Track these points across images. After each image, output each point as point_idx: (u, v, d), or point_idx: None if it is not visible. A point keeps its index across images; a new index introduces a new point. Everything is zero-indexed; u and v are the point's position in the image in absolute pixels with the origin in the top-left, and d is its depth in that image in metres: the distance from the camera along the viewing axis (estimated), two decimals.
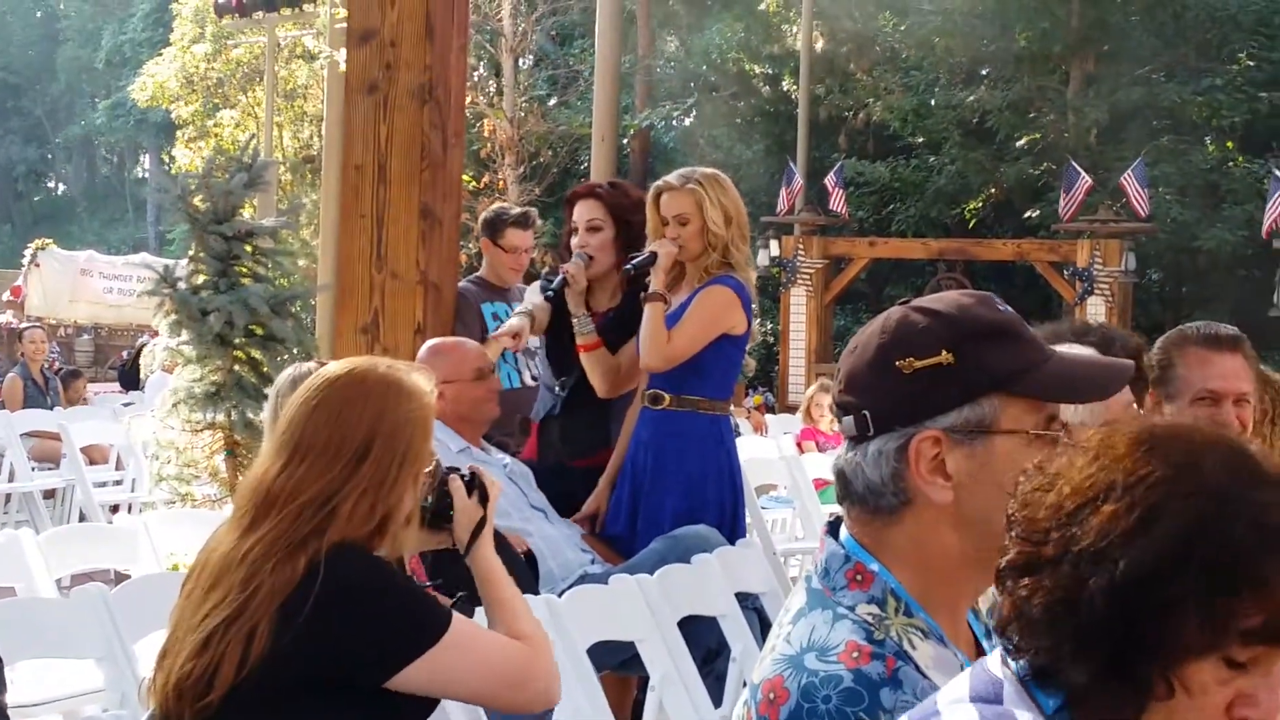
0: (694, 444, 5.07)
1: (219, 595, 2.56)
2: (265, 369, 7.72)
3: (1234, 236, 22.72)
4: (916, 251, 23.08)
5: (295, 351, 7.76)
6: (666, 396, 5.07)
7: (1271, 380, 4.16)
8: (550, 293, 5.27)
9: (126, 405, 14.03)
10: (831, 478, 1.89)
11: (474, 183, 22.60)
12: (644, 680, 4.38)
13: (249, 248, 7.91)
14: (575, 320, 5.24)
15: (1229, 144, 24.96)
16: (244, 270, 7.90)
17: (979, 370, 1.78)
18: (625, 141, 27.05)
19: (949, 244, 22.62)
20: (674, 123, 30.68)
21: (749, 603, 4.76)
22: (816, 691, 1.65)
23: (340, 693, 2.59)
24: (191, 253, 8.06)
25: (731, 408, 5.48)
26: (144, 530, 5.41)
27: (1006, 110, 25.03)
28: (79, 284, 25.26)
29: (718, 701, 4.31)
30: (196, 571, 2.69)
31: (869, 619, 1.74)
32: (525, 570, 4.42)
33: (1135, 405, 2.84)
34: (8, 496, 10.16)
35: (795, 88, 25.61)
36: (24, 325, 17.14)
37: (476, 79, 25.23)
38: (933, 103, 26.40)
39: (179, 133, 28.26)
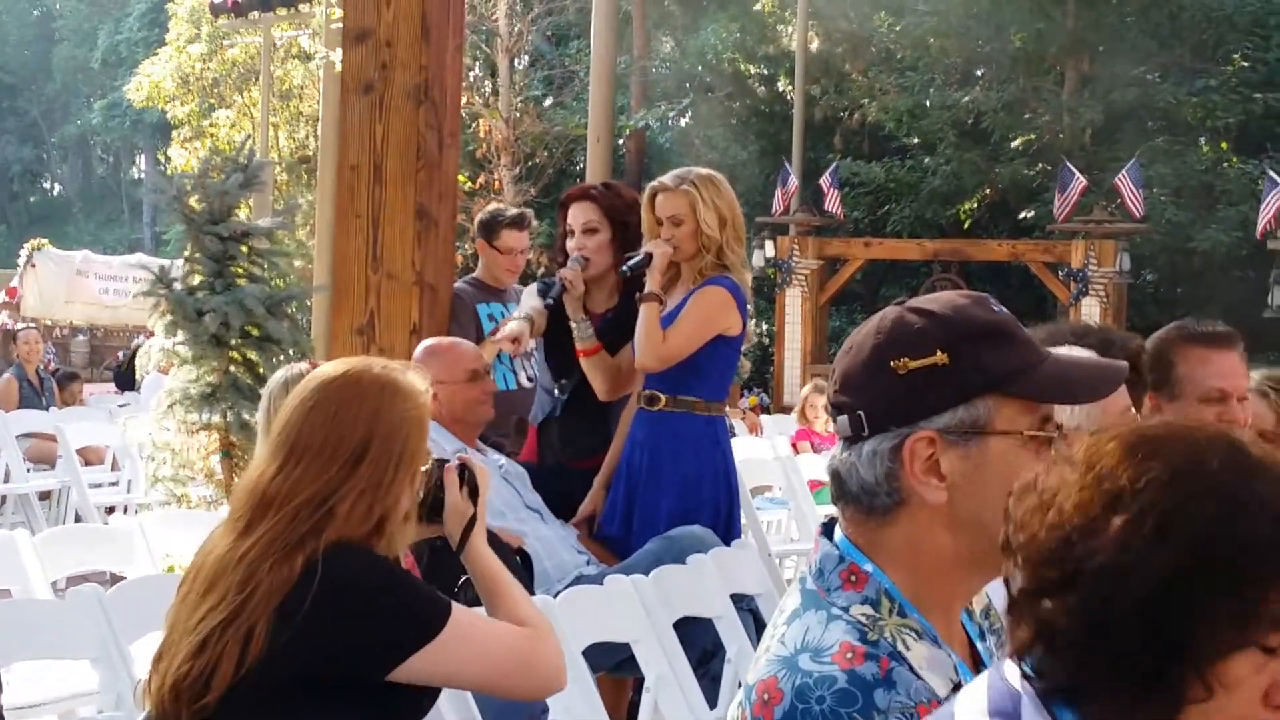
0: (689, 445, 5.08)
1: (216, 597, 2.57)
2: (261, 370, 7.71)
3: (1228, 237, 22.73)
4: (912, 252, 23.06)
5: (291, 352, 7.75)
6: (662, 397, 5.07)
7: None
8: (550, 301, 5.27)
9: (122, 406, 14.02)
10: (826, 478, 1.90)
11: (469, 183, 22.57)
12: (639, 681, 4.38)
13: (245, 248, 7.89)
14: (574, 325, 5.25)
15: (1224, 145, 24.96)
16: (240, 271, 7.89)
17: (974, 371, 1.78)
18: (621, 142, 27.07)
19: (944, 244, 22.60)
20: (669, 123, 30.69)
21: (744, 604, 4.76)
22: (811, 692, 1.66)
23: (338, 691, 2.59)
24: (187, 253, 8.05)
25: (727, 409, 5.48)
26: (139, 531, 5.41)
27: (1001, 111, 25.02)
28: (75, 285, 25.22)
29: (713, 703, 4.31)
30: (193, 574, 2.69)
31: (863, 620, 1.74)
32: (520, 571, 4.42)
33: (1132, 409, 2.83)
34: (3, 498, 10.16)
35: (790, 88, 25.62)
36: (18, 326, 17.13)
37: (472, 79, 25.22)
38: (928, 103, 26.39)
39: (174, 133, 28.20)
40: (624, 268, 5.11)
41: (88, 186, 63.17)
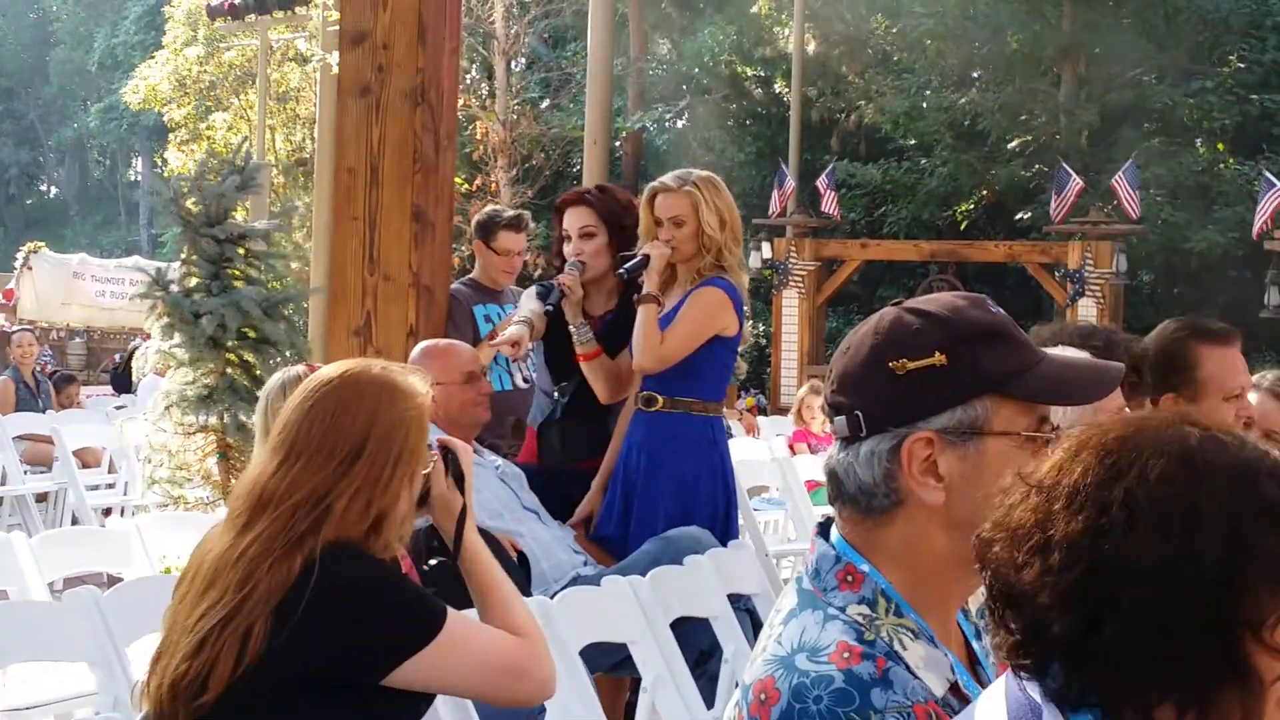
0: (687, 445, 5.08)
1: (215, 595, 2.57)
2: (258, 372, 7.72)
3: (1225, 238, 22.77)
4: (908, 253, 23.08)
5: (288, 354, 7.76)
6: (660, 398, 5.08)
7: None
8: (549, 306, 5.26)
9: (119, 408, 14.00)
10: (823, 479, 1.90)
11: (466, 185, 22.57)
12: (636, 681, 4.38)
13: (241, 250, 7.90)
14: (574, 330, 5.24)
15: (1220, 146, 25.00)
16: (236, 273, 7.89)
17: (972, 372, 1.78)
18: (617, 144, 27.09)
19: (941, 246, 22.62)
20: (666, 125, 30.70)
21: (741, 604, 4.76)
22: (807, 692, 1.66)
23: (335, 692, 2.59)
24: (184, 255, 8.05)
25: (724, 409, 5.48)
26: (136, 533, 5.41)
27: (998, 112, 25.05)
28: (71, 287, 25.22)
29: (710, 703, 4.31)
30: (191, 573, 2.70)
31: (859, 619, 1.74)
32: (518, 572, 4.42)
33: (1127, 410, 2.83)
34: (0, 500, 10.15)
35: (787, 90, 25.64)
36: (13, 329, 17.11)
37: (469, 81, 25.21)
38: (924, 105, 26.43)
39: (171, 135, 28.21)
40: (621, 270, 5.11)
41: (84, 189, 63.13)
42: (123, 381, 18.66)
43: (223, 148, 23.83)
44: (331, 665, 2.57)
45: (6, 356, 13.69)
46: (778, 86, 28.64)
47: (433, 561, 2.95)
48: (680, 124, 30.98)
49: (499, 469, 4.99)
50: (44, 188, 65.81)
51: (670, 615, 4.35)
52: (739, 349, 5.31)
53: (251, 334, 7.76)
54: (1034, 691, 1.44)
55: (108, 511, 9.64)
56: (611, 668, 4.52)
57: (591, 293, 5.40)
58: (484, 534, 3.06)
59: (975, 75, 26.94)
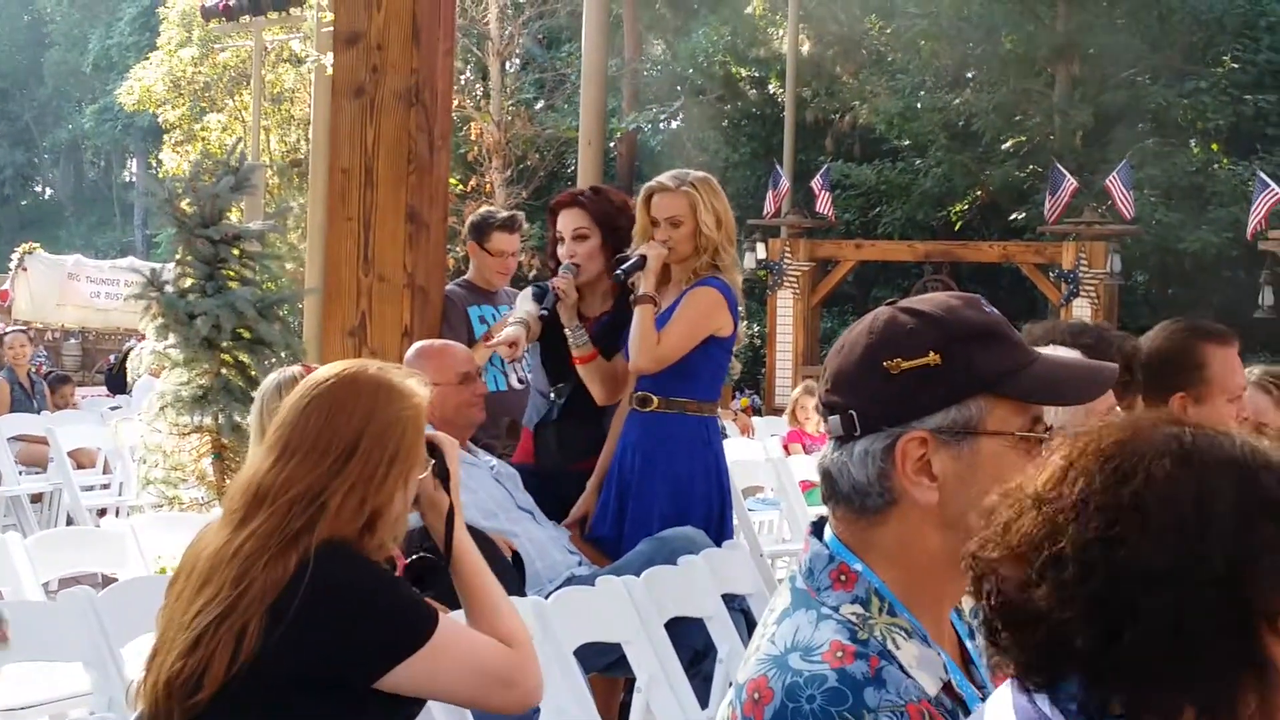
0: (682, 445, 5.09)
1: (210, 592, 2.58)
2: (253, 372, 7.71)
3: (1219, 238, 22.79)
4: (903, 254, 23.10)
5: (283, 355, 7.76)
6: (655, 398, 5.08)
7: None
8: (545, 310, 5.26)
9: (114, 409, 13.99)
10: (818, 479, 1.90)
11: (461, 186, 22.58)
12: (631, 682, 4.39)
13: (236, 251, 7.90)
14: (569, 333, 5.24)
15: (1214, 146, 25.02)
16: (231, 274, 7.89)
17: (966, 372, 1.78)
18: (612, 145, 27.08)
19: (935, 246, 22.63)
20: (660, 126, 30.69)
21: (736, 604, 4.76)
22: (801, 691, 1.66)
23: (329, 692, 2.60)
24: (178, 256, 8.05)
25: (718, 410, 5.48)
26: (131, 534, 5.41)
27: (992, 113, 25.06)
28: (66, 288, 25.19)
29: (704, 703, 4.32)
30: (186, 571, 2.70)
31: (853, 619, 1.74)
32: (512, 572, 4.43)
33: (1118, 409, 2.84)
34: None
35: (781, 91, 25.63)
36: (6, 330, 17.09)
37: (463, 82, 25.20)
38: (919, 105, 26.43)
39: (166, 137, 28.21)
40: (618, 271, 5.11)
41: (79, 190, 63.07)
42: (118, 382, 18.63)
43: (217, 149, 23.84)
44: (324, 665, 2.58)
45: (1, 358, 13.65)
46: (772, 87, 28.64)
47: (414, 556, 2.94)
48: (675, 125, 30.98)
49: (494, 469, 4.99)
50: (39, 189, 65.75)
51: (665, 615, 4.36)
52: (734, 349, 5.32)
53: (246, 335, 7.77)
54: (1044, 704, 1.42)
55: (103, 512, 9.63)
56: (606, 668, 4.52)
57: (586, 295, 5.40)
58: (478, 534, 3.07)
59: (969, 76, 26.95)
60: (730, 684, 1.80)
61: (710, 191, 5.09)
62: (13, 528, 8.89)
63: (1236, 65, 24.68)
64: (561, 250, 5.42)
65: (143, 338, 9.13)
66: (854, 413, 1.81)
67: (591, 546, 5.10)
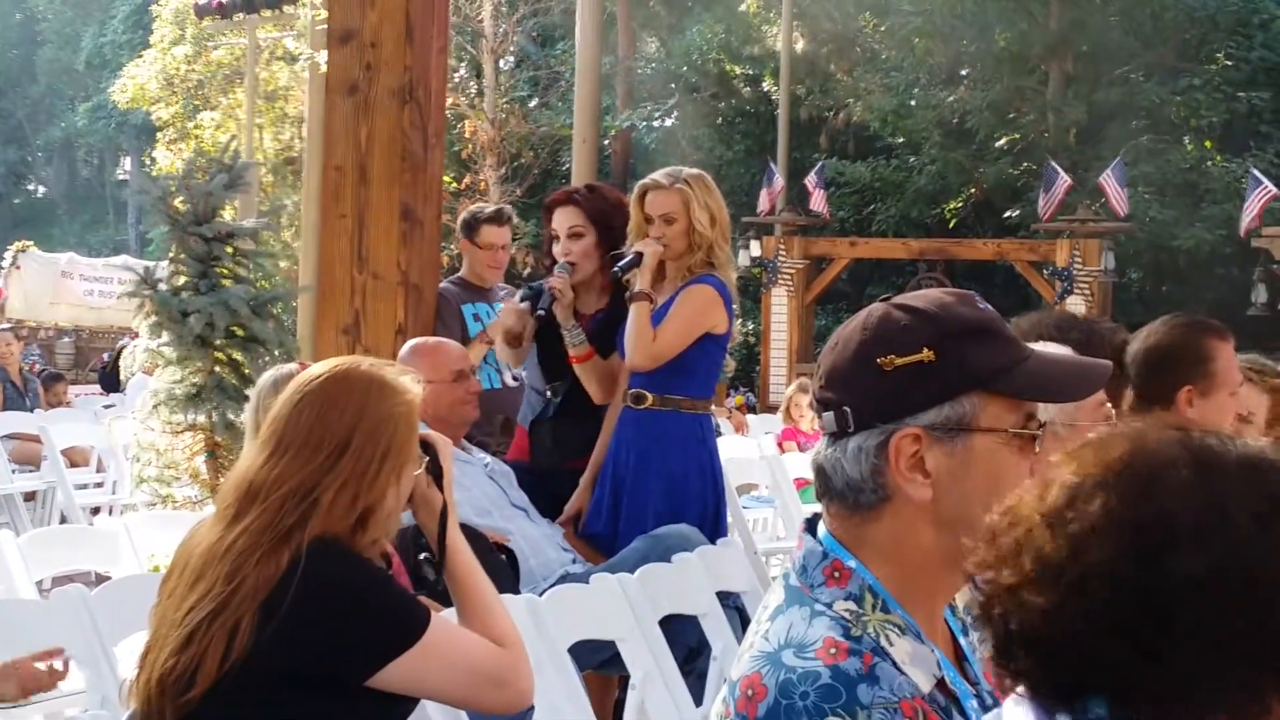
0: (676, 443, 5.09)
1: (203, 588, 2.58)
2: (246, 370, 7.71)
3: (1213, 235, 22.81)
4: (897, 251, 23.13)
5: (276, 353, 7.75)
6: (649, 396, 5.08)
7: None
8: (541, 311, 5.25)
9: (107, 407, 13.99)
10: (812, 476, 1.90)
11: (455, 184, 22.58)
12: (625, 679, 4.38)
13: (230, 249, 7.89)
14: (566, 333, 5.23)
15: (1207, 143, 25.04)
16: (225, 272, 7.88)
17: (960, 368, 1.78)
18: (606, 142, 27.08)
19: (929, 244, 22.66)
20: (655, 124, 30.70)
21: (730, 601, 4.76)
22: (794, 688, 1.65)
23: (321, 689, 2.60)
24: (172, 254, 8.04)
25: (713, 408, 5.48)
26: (125, 532, 5.41)
27: (986, 110, 25.08)
28: (59, 286, 25.18)
29: (699, 700, 4.31)
30: (179, 568, 2.70)
31: (846, 615, 1.74)
32: (506, 570, 4.43)
33: (1109, 404, 2.83)
34: None
35: (776, 88, 25.64)
36: None
37: (457, 80, 25.21)
38: (913, 103, 26.45)
39: (159, 135, 28.14)
40: (615, 270, 5.11)
41: (72, 188, 62.97)
42: (111, 380, 18.63)
43: (211, 146, 23.76)
44: (316, 662, 2.58)
45: None
46: (766, 85, 28.65)
47: (421, 556, 2.93)
48: (669, 122, 30.99)
49: (488, 466, 4.99)
50: (32, 187, 65.64)
51: (659, 613, 4.35)
52: (728, 347, 5.32)
53: (240, 333, 7.76)
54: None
55: (96, 510, 9.62)
56: (600, 665, 4.51)
57: (581, 293, 5.39)
58: (472, 531, 3.06)
59: (963, 73, 26.96)
60: (724, 681, 1.80)
61: (704, 188, 5.09)
62: (6, 526, 8.87)
63: (1230, 63, 24.70)
64: (557, 248, 5.41)
65: (136, 336, 9.12)
66: (847, 409, 1.81)
67: (586, 544, 5.10)
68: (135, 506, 7.73)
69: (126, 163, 59.06)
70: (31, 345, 23.13)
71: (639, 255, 5.02)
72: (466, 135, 23.67)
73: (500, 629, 2.86)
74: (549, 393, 5.50)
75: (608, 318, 5.36)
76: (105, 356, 22.00)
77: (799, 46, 26.45)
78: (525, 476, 5.19)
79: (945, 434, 1.78)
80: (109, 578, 5.10)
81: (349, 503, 2.64)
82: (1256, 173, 18.50)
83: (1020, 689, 1.42)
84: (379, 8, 5.88)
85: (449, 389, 4.76)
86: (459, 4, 22.81)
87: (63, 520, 9.31)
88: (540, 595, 4.04)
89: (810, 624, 1.73)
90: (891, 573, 1.79)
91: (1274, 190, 17.72)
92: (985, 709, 1.84)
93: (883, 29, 27.06)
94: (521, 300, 5.43)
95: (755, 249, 21.03)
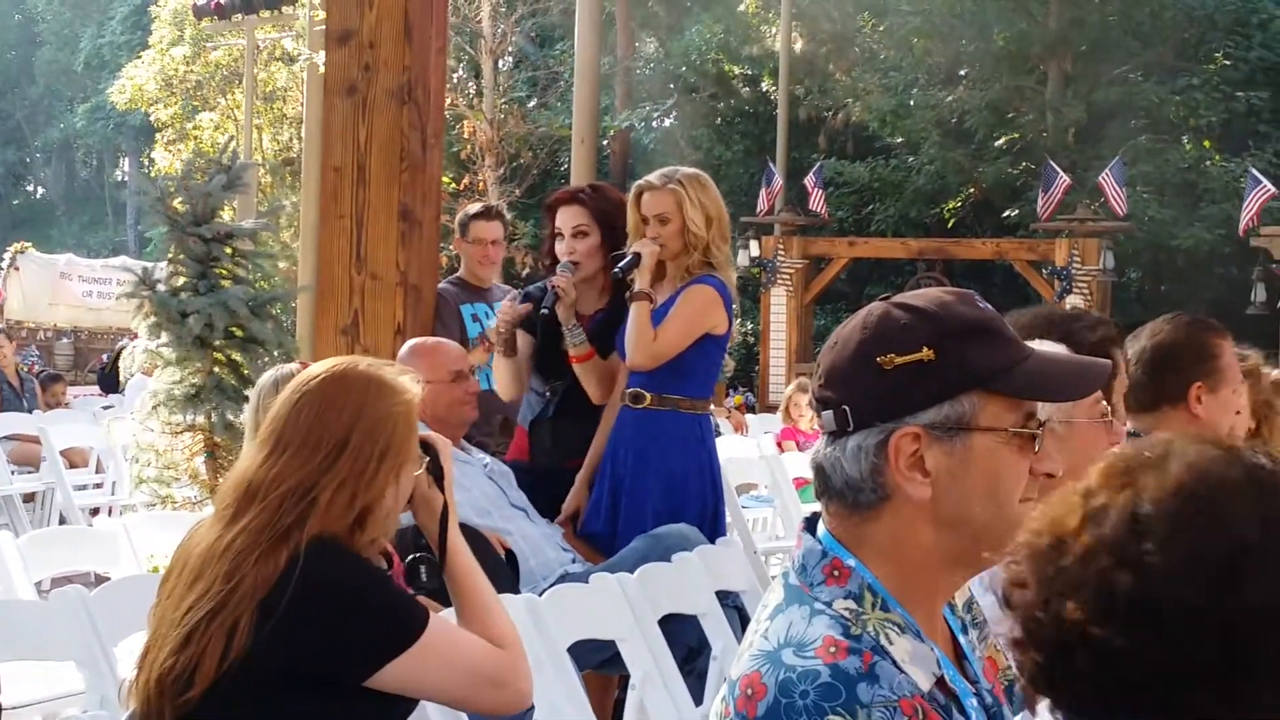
0: (675, 442, 5.09)
1: (202, 588, 2.58)
2: (245, 371, 7.72)
3: (1211, 235, 22.82)
4: (896, 251, 23.13)
5: (275, 353, 7.76)
6: (648, 396, 5.08)
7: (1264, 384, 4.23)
8: (545, 309, 5.25)
9: (106, 408, 13.98)
10: (811, 476, 1.90)
11: (454, 184, 22.56)
12: (625, 679, 4.38)
13: (228, 250, 7.89)
14: (567, 332, 5.22)
15: (1206, 143, 25.05)
16: (223, 272, 7.89)
17: (959, 367, 1.78)
18: (605, 143, 27.09)
19: (928, 243, 22.66)
20: (653, 124, 30.72)
21: (729, 601, 4.76)
22: (794, 687, 1.65)
23: (320, 688, 2.60)
24: (171, 255, 8.05)
25: (712, 407, 5.48)
26: (124, 533, 5.40)
27: (985, 110, 25.09)
28: (58, 287, 25.18)
29: (699, 700, 4.31)
30: (177, 568, 2.70)
31: (846, 614, 1.74)
32: (506, 570, 4.43)
33: (1103, 400, 2.83)
34: None
35: (774, 88, 25.64)
36: None
37: (456, 80, 25.21)
38: (911, 103, 26.45)
39: (158, 135, 28.17)
40: (615, 270, 5.11)
41: (71, 189, 62.96)
42: (110, 381, 18.61)
43: (209, 147, 23.79)
44: (315, 662, 2.58)
45: None
46: (765, 85, 28.65)
47: (415, 555, 2.93)
48: (668, 122, 31.01)
49: (487, 467, 4.99)
50: (30, 188, 65.64)
51: (659, 612, 4.35)
52: (727, 347, 5.32)
53: (239, 333, 7.76)
54: None
55: (95, 511, 9.62)
56: (600, 665, 4.51)
57: (582, 292, 5.39)
58: (472, 531, 3.06)
59: (962, 73, 26.97)
60: (724, 680, 1.80)
61: (698, 188, 5.09)
62: (5, 527, 8.86)
63: (1229, 62, 24.72)
64: (560, 246, 5.39)
65: (135, 337, 9.11)
66: (847, 408, 1.80)
67: (585, 544, 5.10)
68: (134, 507, 7.73)
69: (125, 164, 59.10)
70: (30, 346, 23.14)
71: (637, 256, 5.03)
72: (465, 136, 23.66)
73: (499, 630, 2.86)
74: (548, 393, 5.50)
75: (607, 318, 5.35)
76: (104, 357, 22.00)
77: (798, 46, 26.46)
78: (524, 476, 5.18)
79: (945, 433, 1.77)
80: (108, 578, 5.10)
81: (347, 502, 2.64)
82: (1255, 172, 18.51)
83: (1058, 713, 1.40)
84: (377, 8, 5.88)
85: (448, 389, 4.76)
86: (457, 4, 22.80)
87: (62, 521, 9.30)
88: (540, 595, 4.04)
89: (810, 623, 1.73)
90: (891, 571, 1.79)
91: (1272, 190, 17.73)
92: (985, 707, 1.85)
93: (881, 29, 27.07)
94: (524, 300, 5.44)
95: (754, 249, 21.02)
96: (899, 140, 26.85)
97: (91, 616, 3.65)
